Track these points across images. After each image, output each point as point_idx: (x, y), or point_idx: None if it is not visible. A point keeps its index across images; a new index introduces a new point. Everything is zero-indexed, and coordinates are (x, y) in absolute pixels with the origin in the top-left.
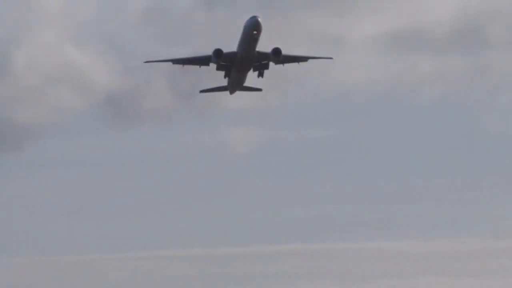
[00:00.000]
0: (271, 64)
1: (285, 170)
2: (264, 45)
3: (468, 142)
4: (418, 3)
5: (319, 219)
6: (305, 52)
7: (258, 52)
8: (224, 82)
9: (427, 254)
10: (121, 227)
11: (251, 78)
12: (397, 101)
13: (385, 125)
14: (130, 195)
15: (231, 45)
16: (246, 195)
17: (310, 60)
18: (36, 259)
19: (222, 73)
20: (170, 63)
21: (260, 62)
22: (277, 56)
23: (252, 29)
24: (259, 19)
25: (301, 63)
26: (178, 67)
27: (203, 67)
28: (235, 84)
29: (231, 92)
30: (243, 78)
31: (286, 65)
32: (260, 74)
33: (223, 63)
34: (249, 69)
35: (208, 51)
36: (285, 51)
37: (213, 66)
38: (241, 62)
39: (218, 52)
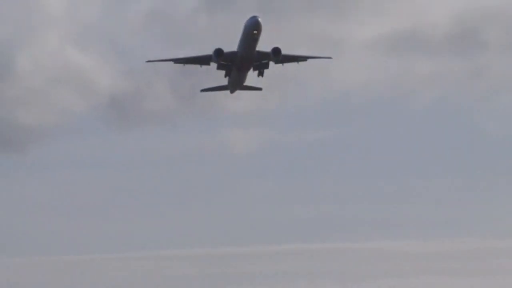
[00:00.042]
0: (271, 63)
1: (285, 171)
2: (264, 45)
3: (466, 142)
4: (417, 6)
5: (319, 219)
6: (305, 53)
7: (258, 52)
8: (225, 81)
9: (427, 254)
10: (124, 227)
11: (252, 77)
12: (396, 102)
13: (384, 126)
14: (132, 196)
15: (232, 45)
16: (246, 195)
17: (309, 60)
18: (40, 259)
19: (223, 72)
20: (171, 63)
21: (260, 62)
22: (277, 55)
23: (252, 29)
24: (259, 19)
25: (301, 63)
26: (179, 68)
27: (204, 67)
28: (236, 83)
29: (232, 91)
30: (243, 77)
31: (286, 64)
32: (260, 74)
33: (223, 63)
34: (249, 69)
35: (209, 51)
36: (285, 51)
37: (213, 65)
38: (242, 62)
39: (218, 52)
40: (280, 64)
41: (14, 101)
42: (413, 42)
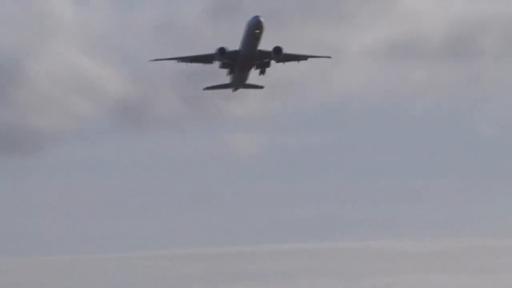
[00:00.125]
0: (272, 62)
1: (287, 172)
2: (265, 45)
3: (462, 145)
4: (414, 14)
5: (319, 219)
6: (305, 53)
7: (260, 51)
8: (228, 80)
9: (425, 253)
10: (132, 228)
11: (254, 76)
12: (394, 107)
13: (382, 129)
14: (140, 197)
15: (234, 46)
16: (249, 197)
17: (310, 61)
18: (54, 259)
19: (226, 71)
20: (174, 63)
21: (262, 60)
22: (278, 54)
23: (254, 28)
24: (261, 19)
25: (301, 62)
26: (185, 74)
27: (207, 66)
28: (238, 81)
29: (234, 90)
30: (245, 76)
31: (287, 66)
32: (262, 72)
33: (226, 61)
34: (251, 67)
35: (212, 50)
36: (285, 50)
37: (216, 64)
38: (244, 60)
39: (221, 51)
40: (281, 62)
41: (27, 107)
42: (410, 49)
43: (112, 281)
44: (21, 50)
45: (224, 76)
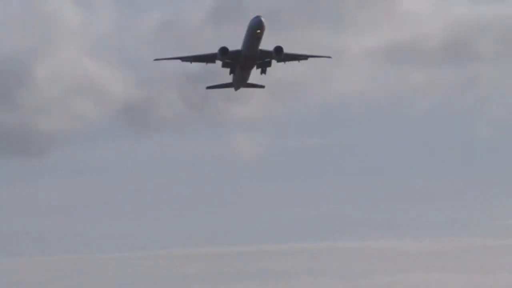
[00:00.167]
0: (273, 63)
1: (287, 174)
2: (267, 45)
3: (459, 147)
4: (412, 18)
5: (320, 219)
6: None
7: (261, 50)
8: (230, 79)
9: (423, 252)
10: (135, 228)
11: (255, 76)
12: (393, 109)
13: (381, 131)
14: (143, 198)
15: (236, 46)
16: (250, 197)
17: (310, 61)
18: (54, 259)
19: (227, 71)
20: (178, 64)
21: (263, 60)
22: (279, 54)
23: (256, 28)
24: (262, 19)
25: (302, 63)
26: (186, 72)
27: (209, 65)
28: (240, 81)
29: (236, 89)
30: (247, 75)
31: (289, 67)
32: (263, 71)
33: (228, 61)
34: (252, 67)
35: (215, 49)
36: (286, 50)
37: (218, 63)
38: (245, 60)
39: (223, 50)
40: (282, 63)
41: (33, 109)
42: (408, 53)
43: (117, 280)
44: (26, 52)
45: (225, 76)
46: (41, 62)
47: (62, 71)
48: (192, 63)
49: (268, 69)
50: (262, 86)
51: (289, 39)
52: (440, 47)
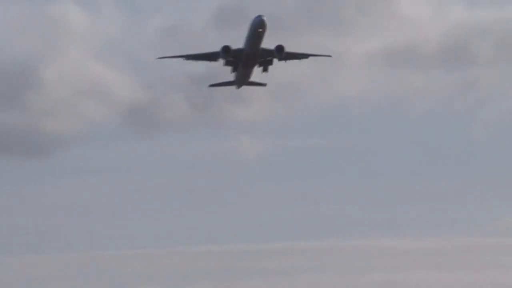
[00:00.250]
0: (275, 62)
1: (289, 174)
2: (268, 45)
3: (455, 149)
4: (411, 23)
5: (321, 219)
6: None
7: (263, 49)
8: (231, 78)
9: (424, 251)
10: (140, 226)
11: (256, 76)
12: (391, 112)
13: (380, 133)
14: (147, 198)
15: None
16: (252, 197)
17: (311, 65)
18: (59, 257)
19: (229, 71)
20: (181, 65)
21: (265, 58)
22: (280, 52)
23: (258, 27)
24: (264, 18)
25: (304, 63)
26: (190, 74)
27: (212, 63)
28: (242, 79)
29: (238, 87)
30: (249, 73)
31: (290, 68)
32: (265, 70)
33: (230, 59)
34: (254, 65)
35: (217, 48)
36: (287, 49)
37: (221, 62)
38: (247, 58)
39: (226, 49)
40: (284, 62)
41: (41, 111)
42: (406, 57)
43: (123, 277)
44: (34, 56)
45: (227, 75)
46: (48, 65)
47: (69, 74)
48: (195, 61)
49: (269, 69)
50: (263, 84)
51: (290, 42)
52: (438, 50)
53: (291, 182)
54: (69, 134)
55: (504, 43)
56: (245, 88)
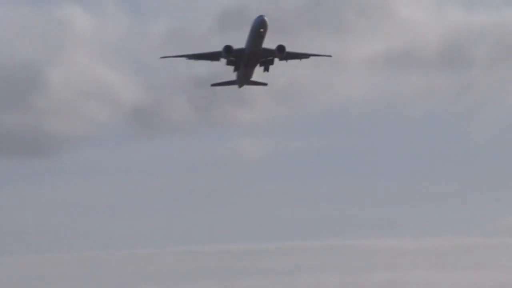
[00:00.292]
0: (276, 63)
1: (290, 175)
2: (269, 45)
3: (454, 150)
4: (410, 26)
5: (321, 219)
6: (307, 56)
7: (264, 49)
8: (234, 77)
9: (424, 251)
10: (143, 226)
11: (257, 75)
12: (391, 114)
13: (380, 134)
14: (151, 198)
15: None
16: (253, 197)
17: (313, 68)
18: (64, 257)
19: (231, 70)
20: (184, 67)
21: (266, 58)
22: (281, 52)
23: (259, 27)
24: (265, 18)
25: (304, 64)
26: (192, 76)
27: (214, 62)
28: (243, 78)
29: (240, 86)
30: (250, 73)
31: (291, 69)
32: (266, 69)
33: (232, 59)
34: (256, 65)
35: (220, 48)
36: (288, 49)
37: (223, 61)
38: (249, 58)
39: (228, 48)
40: (285, 62)
41: (47, 112)
42: (407, 59)
43: (123, 277)
44: (39, 58)
45: (229, 75)
46: (53, 66)
47: (73, 75)
48: (198, 62)
49: (271, 71)
50: (265, 84)
51: (291, 45)
52: (437, 53)
53: (292, 182)
54: (73, 135)
55: (502, 46)
56: (247, 90)
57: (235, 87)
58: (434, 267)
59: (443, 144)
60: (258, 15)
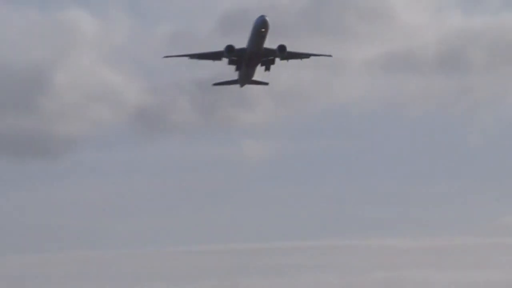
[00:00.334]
0: (277, 63)
1: (292, 176)
2: (270, 45)
3: (451, 152)
4: (408, 30)
5: (322, 218)
6: (307, 56)
7: (266, 49)
8: (235, 76)
9: (423, 250)
10: (148, 226)
11: (258, 75)
12: (390, 116)
13: (379, 136)
14: (156, 198)
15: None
16: (254, 197)
17: (314, 70)
18: (68, 256)
19: (233, 70)
20: (187, 68)
21: (267, 58)
22: (282, 52)
23: (260, 27)
24: (267, 18)
25: (305, 65)
26: (195, 78)
27: (216, 62)
28: (245, 78)
29: (241, 86)
30: (252, 72)
31: (291, 69)
32: (267, 69)
33: (234, 58)
34: (257, 64)
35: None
36: (289, 49)
37: (225, 61)
38: (250, 57)
39: (229, 48)
40: (286, 61)
41: (52, 114)
42: (405, 62)
43: (123, 277)
44: (45, 61)
45: (231, 75)
46: (58, 69)
47: (79, 78)
48: (200, 62)
49: (272, 72)
50: (266, 83)
51: (292, 46)
52: (436, 56)
53: (292, 183)
54: (77, 136)
55: (499, 49)
56: (248, 91)
57: (236, 86)
58: (434, 267)
59: (443, 145)
60: (259, 15)
